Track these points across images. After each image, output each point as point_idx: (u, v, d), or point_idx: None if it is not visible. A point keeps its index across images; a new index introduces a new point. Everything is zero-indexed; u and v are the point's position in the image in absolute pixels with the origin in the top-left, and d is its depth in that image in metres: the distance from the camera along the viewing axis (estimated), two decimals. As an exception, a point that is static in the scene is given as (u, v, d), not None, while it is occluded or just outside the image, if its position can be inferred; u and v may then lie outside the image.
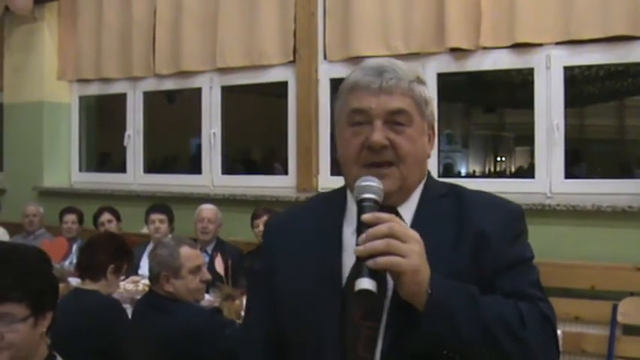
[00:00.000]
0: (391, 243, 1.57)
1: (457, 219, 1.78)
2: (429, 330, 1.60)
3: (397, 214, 1.78)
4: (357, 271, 1.57)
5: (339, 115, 1.87)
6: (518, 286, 1.71)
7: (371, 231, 1.58)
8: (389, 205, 1.77)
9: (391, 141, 1.76)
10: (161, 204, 6.61)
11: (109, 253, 4.11)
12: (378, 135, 1.75)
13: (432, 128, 1.89)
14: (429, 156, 1.89)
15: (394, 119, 1.77)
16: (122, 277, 4.41)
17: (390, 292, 1.70)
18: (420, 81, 1.83)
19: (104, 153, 9.73)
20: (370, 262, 1.55)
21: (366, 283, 1.54)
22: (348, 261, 1.76)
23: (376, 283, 1.55)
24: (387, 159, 1.77)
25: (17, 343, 2.16)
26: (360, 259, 1.57)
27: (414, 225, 1.78)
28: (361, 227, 1.61)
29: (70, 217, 7.06)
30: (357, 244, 1.59)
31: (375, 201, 1.68)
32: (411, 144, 1.78)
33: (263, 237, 2.09)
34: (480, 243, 1.73)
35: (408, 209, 1.83)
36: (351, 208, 1.84)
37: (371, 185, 1.70)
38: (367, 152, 1.77)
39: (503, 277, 1.72)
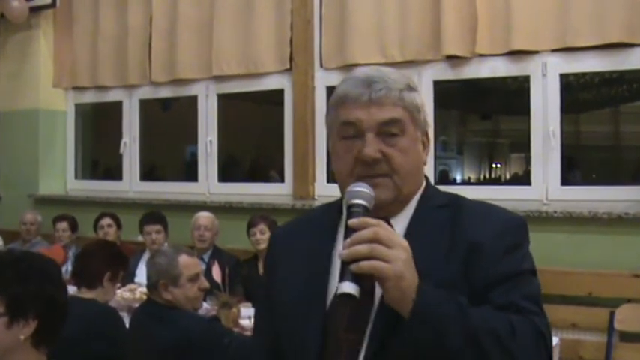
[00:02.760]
0: (375, 247, 1.56)
1: (452, 230, 1.76)
2: (413, 337, 1.58)
3: (389, 224, 1.77)
4: (341, 275, 1.57)
5: (331, 128, 1.87)
6: (512, 298, 1.67)
7: (356, 235, 1.58)
8: (383, 217, 1.75)
9: (384, 153, 1.75)
10: (154, 213, 6.58)
11: (105, 260, 4.10)
12: (370, 149, 1.74)
13: (426, 135, 1.88)
14: (424, 163, 1.88)
15: (386, 130, 1.76)
16: (118, 285, 4.40)
17: (376, 304, 1.69)
18: (411, 88, 1.82)
19: (100, 161, 9.71)
20: (354, 266, 1.55)
21: (348, 287, 1.54)
22: (336, 275, 1.74)
23: (359, 288, 1.55)
24: (380, 172, 1.76)
25: None
26: (345, 263, 1.57)
27: (407, 235, 1.77)
28: (348, 232, 1.61)
29: (62, 225, 7.06)
30: (343, 248, 1.59)
31: (364, 207, 1.67)
32: (404, 155, 1.77)
33: (267, 249, 2.10)
34: (472, 254, 1.71)
35: (403, 219, 1.82)
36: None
37: (360, 191, 1.69)
38: (361, 166, 1.76)
39: (497, 290, 1.68)
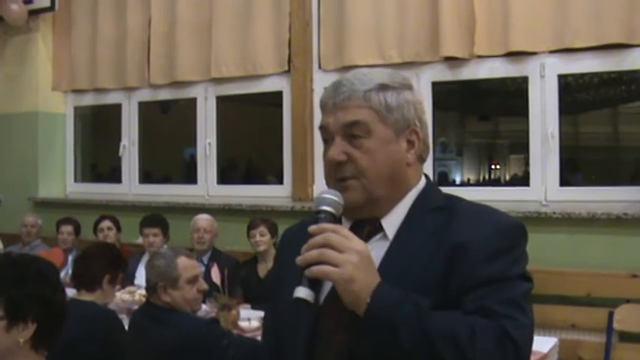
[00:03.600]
0: (324, 252, 1.60)
1: (441, 233, 1.75)
2: (365, 338, 1.62)
3: (379, 225, 1.80)
4: (298, 280, 1.62)
5: None
6: (485, 303, 1.63)
7: (310, 241, 1.63)
8: (374, 218, 1.80)
9: (349, 155, 1.77)
10: (153, 216, 6.57)
11: (104, 263, 4.10)
12: (332, 151, 1.78)
13: (415, 133, 1.84)
14: (409, 164, 1.84)
15: (350, 132, 1.78)
16: (117, 287, 4.40)
17: None
18: (384, 87, 1.81)
19: (99, 163, 9.71)
20: (307, 271, 1.60)
21: (301, 292, 1.61)
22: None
23: (313, 293, 1.61)
24: (347, 174, 1.78)
25: None
26: (301, 268, 1.62)
27: (397, 238, 1.79)
28: (309, 238, 1.66)
29: (67, 228, 7.06)
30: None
31: (330, 213, 1.71)
32: (370, 156, 1.77)
33: (278, 247, 2.17)
34: (455, 256, 1.69)
35: (393, 221, 1.82)
36: (343, 223, 1.85)
37: (325, 197, 1.73)
38: (332, 169, 1.80)
39: (473, 294, 1.65)
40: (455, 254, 1.69)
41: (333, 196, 1.73)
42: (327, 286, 1.75)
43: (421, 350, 1.58)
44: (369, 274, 1.63)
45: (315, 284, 1.62)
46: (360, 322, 1.62)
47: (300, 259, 1.62)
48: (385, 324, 1.59)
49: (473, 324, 1.59)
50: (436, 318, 1.60)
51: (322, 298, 1.77)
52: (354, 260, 1.60)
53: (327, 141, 1.82)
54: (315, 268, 1.59)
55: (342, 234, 1.64)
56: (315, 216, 1.71)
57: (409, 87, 1.87)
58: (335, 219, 1.71)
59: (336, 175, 1.79)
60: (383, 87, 1.81)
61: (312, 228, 1.65)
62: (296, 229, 2.07)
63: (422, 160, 1.89)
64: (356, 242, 1.64)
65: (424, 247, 1.73)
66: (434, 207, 1.83)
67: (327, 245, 1.61)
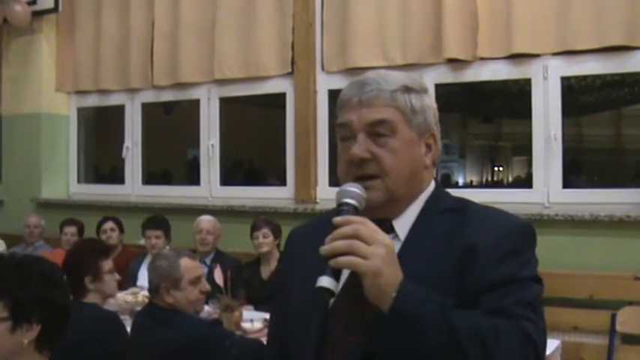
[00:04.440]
0: (353, 244, 1.57)
1: (453, 234, 1.75)
2: (391, 334, 1.59)
3: (391, 226, 1.80)
4: (321, 270, 1.59)
5: (336, 132, 1.89)
6: (503, 304, 1.64)
7: (337, 231, 1.60)
8: (384, 218, 1.78)
9: (373, 153, 1.76)
10: (156, 218, 6.57)
11: (75, 269, 3.99)
12: (357, 148, 1.76)
13: (433, 137, 1.86)
14: (426, 167, 1.86)
15: (375, 131, 1.77)
16: (117, 278, 4.26)
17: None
18: (409, 89, 1.82)
19: (102, 164, 9.72)
20: (332, 261, 1.57)
21: (324, 281, 1.57)
22: (342, 277, 1.76)
23: (337, 283, 1.58)
24: (370, 172, 1.77)
25: None
26: (325, 259, 1.59)
27: (408, 238, 1.79)
28: (333, 229, 1.62)
29: (70, 229, 7.05)
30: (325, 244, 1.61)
31: (353, 206, 1.69)
32: (394, 156, 1.77)
33: (284, 248, 2.14)
34: (467, 258, 1.69)
35: (404, 222, 1.83)
36: None
37: (350, 190, 1.71)
38: (353, 167, 1.78)
39: (489, 295, 1.66)
40: (467, 257, 1.70)
41: (357, 189, 1.71)
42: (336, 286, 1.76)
43: (446, 348, 1.56)
44: (394, 269, 1.61)
45: (338, 275, 1.60)
46: (384, 317, 1.59)
47: (325, 249, 1.59)
48: (411, 319, 1.57)
49: (497, 324, 1.60)
50: (461, 316, 1.59)
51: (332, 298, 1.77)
52: (382, 253, 1.58)
53: (347, 138, 1.81)
54: (343, 259, 1.57)
55: (370, 227, 1.63)
56: (339, 209, 1.69)
57: (428, 92, 1.89)
58: (358, 213, 1.69)
59: (357, 173, 1.77)
60: (408, 89, 1.82)
61: (337, 219, 1.63)
62: (305, 228, 2.09)
63: (435, 164, 1.90)
64: (383, 236, 1.63)
65: (436, 249, 1.73)
66: (444, 209, 1.84)
67: (355, 236, 1.58)
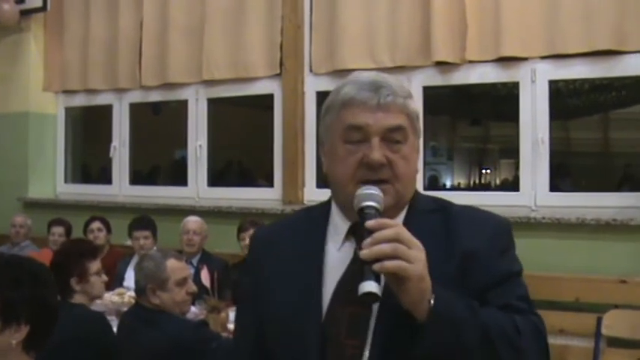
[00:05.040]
0: (398, 247, 1.55)
1: (445, 235, 1.77)
2: (431, 339, 1.57)
3: None
4: (360, 276, 1.55)
5: (332, 131, 1.83)
6: (508, 300, 1.70)
7: (377, 234, 1.56)
8: None
9: (388, 159, 1.75)
10: (143, 218, 6.57)
11: (64, 270, 3.96)
12: (378, 153, 1.74)
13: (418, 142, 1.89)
14: (417, 171, 1.89)
15: (391, 137, 1.76)
16: (104, 279, 4.22)
17: (375, 311, 1.69)
18: (411, 96, 1.83)
19: (89, 164, 9.69)
20: (377, 266, 1.53)
21: (371, 287, 1.53)
22: (330, 280, 1.77)
23: (381, 287, 1.55)
24: (383, 177, 1.75)
25: None
26: (365, 263, 1.55)
27: None
28: (364, 234, 1.59)
29: (58, 230, 7.03)
30: (361, 249, 1.56)
31: (376, 209, 1.67)
32: (406, 162, 1.78)
33: (249, 250, 2.07)
34: (468, 260, 1.72)
35: None
36: (337, 224, 1.86)
37: (372, 193, 1.69)
38: (365, 170, 1.75)
39: (494, 292, 1.71)
40: (467, 261, 1.73)
41: (377, 192, 1.70)
42: (329, 291, 1.75)
43: (479, 347, 1.59)
44: (428, 274, 1.60)
45: (379, 280, 1.55)
46: (425, 322, 1.57)
47: (366, 253, 1.54)
48: (450, 323, 1.58)
49: (514, 319, 1.65)
50: (485, 314, 1.63)
51: (326, 303, 1.76)
52: (423, 257, 1.58)
53: (356, 140, 1.77)
54: (390, 263, 1.53)
55: (406, 231, 1.61)
56: (362, 212, 1.66)
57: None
58: (381, 216, 1.66)
59: (369, 177, 1.74)
60: (411, 96, 1.84)
61: (370, 223, 1.59)
62: (271, 230, 2.06)
63: None
64: (417, 240, 1.61)
65: (430, 248, 1.70)
66: (428, 209, 1.86)
67: (398, 240, 1.56)
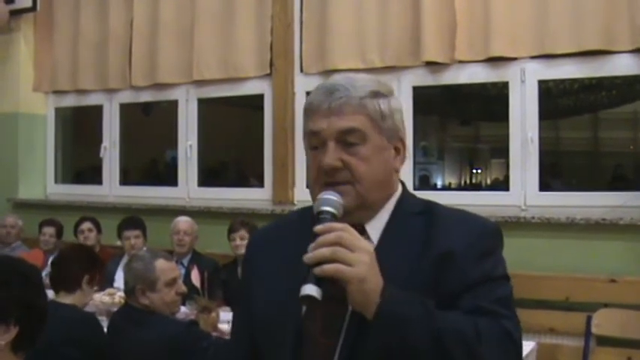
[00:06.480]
0: (337, 250, 1.57)
1: (426, 237, 1.77)
2: (377, 339, 1.60)
3: (364, 231, 1.80)
4: (305, 278, 1.58)
5: (303, 138, 1.87)
6: (481, 303, 1.68)
7: (320, 239, 1.60)
8: (358, 223, 1.78)
9: (344, 162, 1.76)
10: (132, 218, 6.58)
11: (83, 264, 4.06)
12: (328, 157, 1.75)
13: (401, 140, 1.87)
14: (396, 170, 1.88)
15: (346, 139, 1.76)
16: (95, 288, 4.36)
17: (350, 310, 1.70)
18: (378, 94, 1.81)
19: (80, 165, 9.67)
20: (317, 269, 1.57)
21: (310, 290, 1.57)
22: None
23: (321, 291, 1.57)
24: (341, 180, 1.76)
25: None
26: (310, 267, 1.58)
27: (381, 242, 1.80)
28: (315, 237, 1.62)
29: (49, 230, 7.02)
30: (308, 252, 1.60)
31: (332, 214, 1.70)
32: (366, 163, 1.77)
33: (246, 249, 2.12)
34: (444, 261, 1.72)
35: (376, 226, 1.83)
36: None
37: (329, 199, 1.71)
38: (324, 174, 1.77)
39: (467, 295, 1.69)
40: (444, 261, 1.72)
41: (335, 197, 1.72)
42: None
43: (431, 350, 1.58)
44: (376, 275, 1.62)
45: (322, 282, 1.58)
46: (371, 322, 1.60)
47: (309, 257, 1.58)
48: (396, 324, 1.58)
49: (477, 323, 1.63)
50: (444, 318, 1.62)
51: None
52: (366, 260, 1.59)
53: (317, 146, 1.80)
54: (328, 267, 1.56)
55: (352, 233, 1.63)
56: (318, 217, 1.69)
57: (394, 94, 1.89)
58: (336, 220, 1.68)
59: (327, 180, 1.76)
60: (376, 94, 1.81)
61: (318, 227, 1.63)
62: (269, 230, 2.09)
63: (401, 166, 1.91)
64: (365, 242, 1.64)
65: (409, 251, 1.75)
66: (413, 212, 1.85)
67: (338, 243, 1.58)
